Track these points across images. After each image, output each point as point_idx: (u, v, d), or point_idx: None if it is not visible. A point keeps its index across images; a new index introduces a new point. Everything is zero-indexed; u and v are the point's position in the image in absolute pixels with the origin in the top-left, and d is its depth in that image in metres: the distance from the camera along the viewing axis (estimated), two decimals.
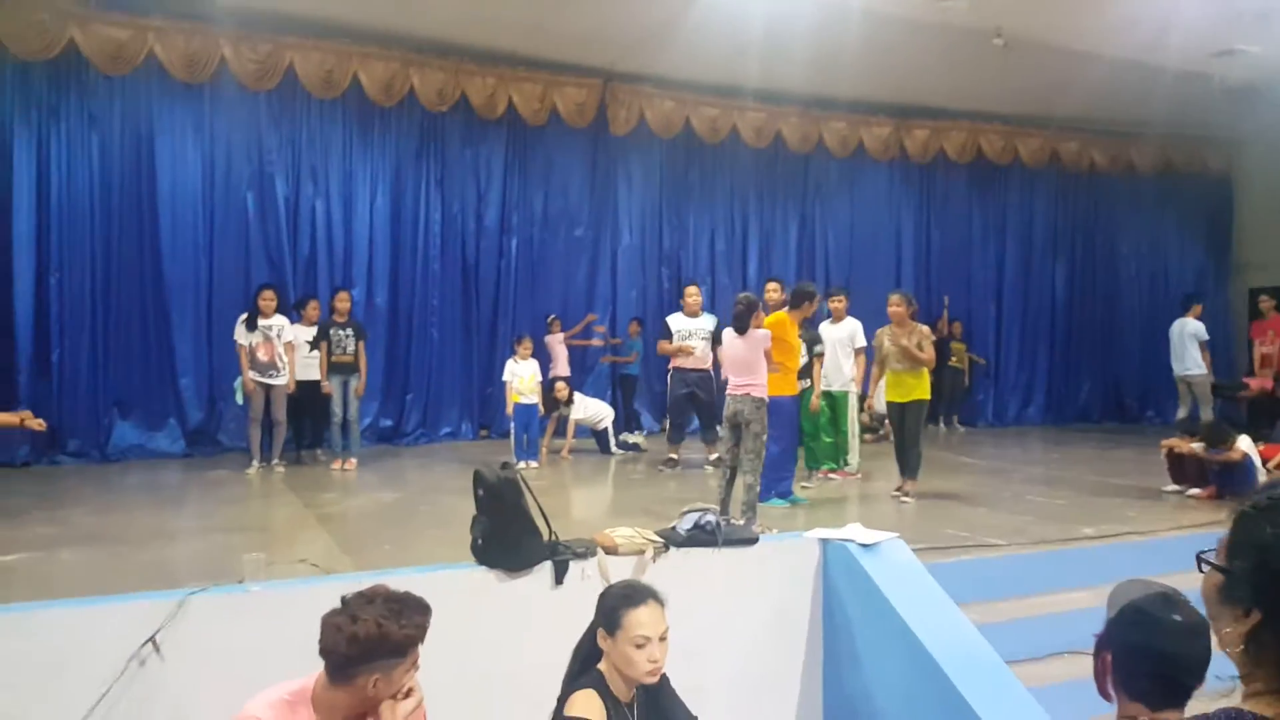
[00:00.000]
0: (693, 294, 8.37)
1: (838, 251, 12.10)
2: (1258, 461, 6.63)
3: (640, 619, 2.56)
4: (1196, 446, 6.73)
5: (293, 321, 7.97)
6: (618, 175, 10.90)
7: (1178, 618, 1.82)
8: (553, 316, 10.07)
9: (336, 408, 7.87)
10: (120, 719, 3.16)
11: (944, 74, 10.43)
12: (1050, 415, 12.97)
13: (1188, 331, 9.65)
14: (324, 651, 2.13)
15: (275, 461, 7.71)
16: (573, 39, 9.48)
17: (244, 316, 7.70)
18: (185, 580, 3.61)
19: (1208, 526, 5.69)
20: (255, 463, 7.58)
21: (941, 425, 11.86)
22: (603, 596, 2.71)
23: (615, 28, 9.04)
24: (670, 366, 8.25)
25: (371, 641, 2.09)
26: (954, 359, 11.88)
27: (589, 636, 2.70)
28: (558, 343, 9.87)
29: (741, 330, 5.58)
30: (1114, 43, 9.10)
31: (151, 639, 3.24)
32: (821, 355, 7.23)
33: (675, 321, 8.26)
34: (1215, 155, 13.39)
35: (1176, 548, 5.28)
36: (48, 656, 3.13)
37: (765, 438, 5.41)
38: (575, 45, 9.69)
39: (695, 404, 8.15)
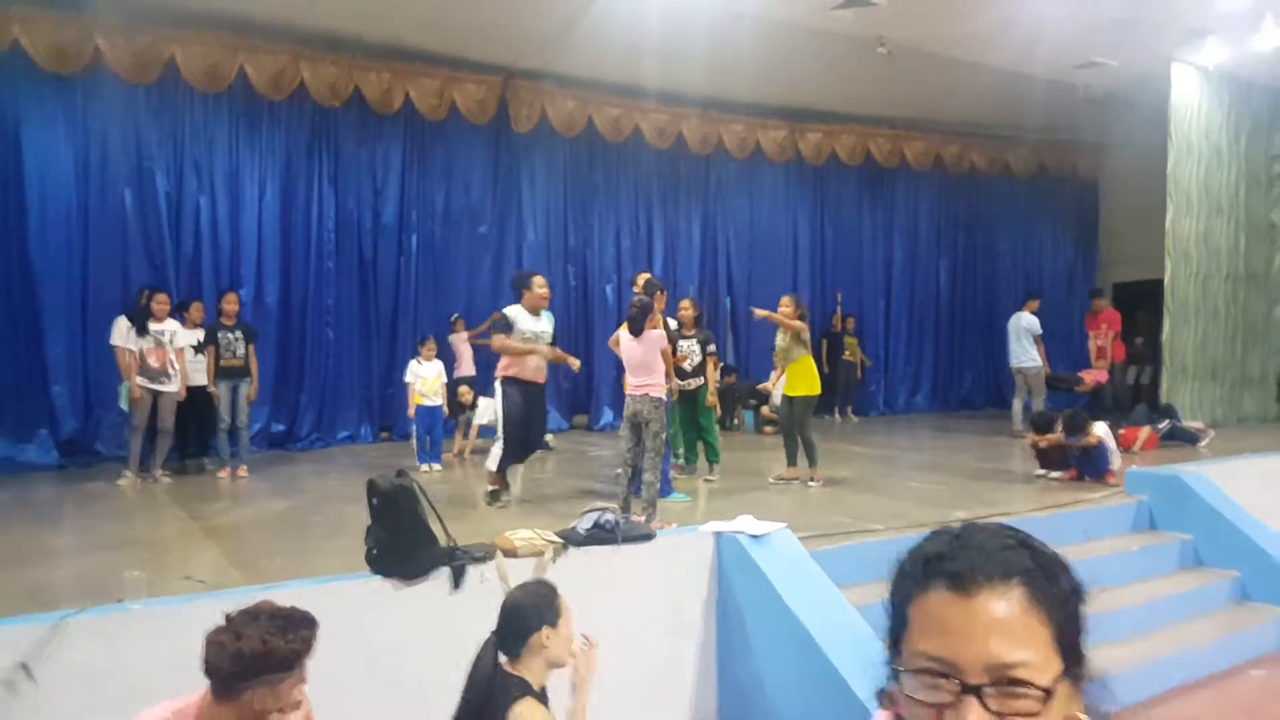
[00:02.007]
0: (541, 284, 6.51)
1: (738, 250, 12.40)
2: (1112, 445, 7.19)
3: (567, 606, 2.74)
4: (1057, 435, 7.25)
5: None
6: (521, 173, 10.88)
7: None
8: (456, 315, 9.97)
9: (225, 414, 7.65)
10: None
11: (834, 80, 10.85)
12: (936, 403, 13.64)
13: (1022, 325, 10.13)
14: (208, 670, 2.12)
15: (159, 472, 7.40)
16: (472, 35, 9.42)
17: (125, 319, 7.37)
18: (65, 602, 3.48)
19: (1066, 506, 6.18)
20: (129, 473, 7.22)
21: (836, 415, 12.33)
22: (546, 598, 2.75)
23: (515, 24, 9.03)
24: (504, 374, 6.15)
25: (256, 658, 2.10)
26: (847, 353, 12.38)
27: (489, 651, 2.71)
28: (462, 342, 9.80)
29: (637, 332, 5.71)
30: (989, 52, 9.64)
31: (23, 664, 3.15)
32: (715, 354, 7.45)
33: (520, 318, 6.26)
34: (1083, 159, 14.30)
35: (1039, 525, 5.71)
36: None
37: (664, 436, 5.57)
38: (474, 41, 9.63)
39: (534, 422, 6.36)
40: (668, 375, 5.90)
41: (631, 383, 5.65)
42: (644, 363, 5.65)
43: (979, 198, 14.02)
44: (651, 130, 11.41)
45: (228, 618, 2.19)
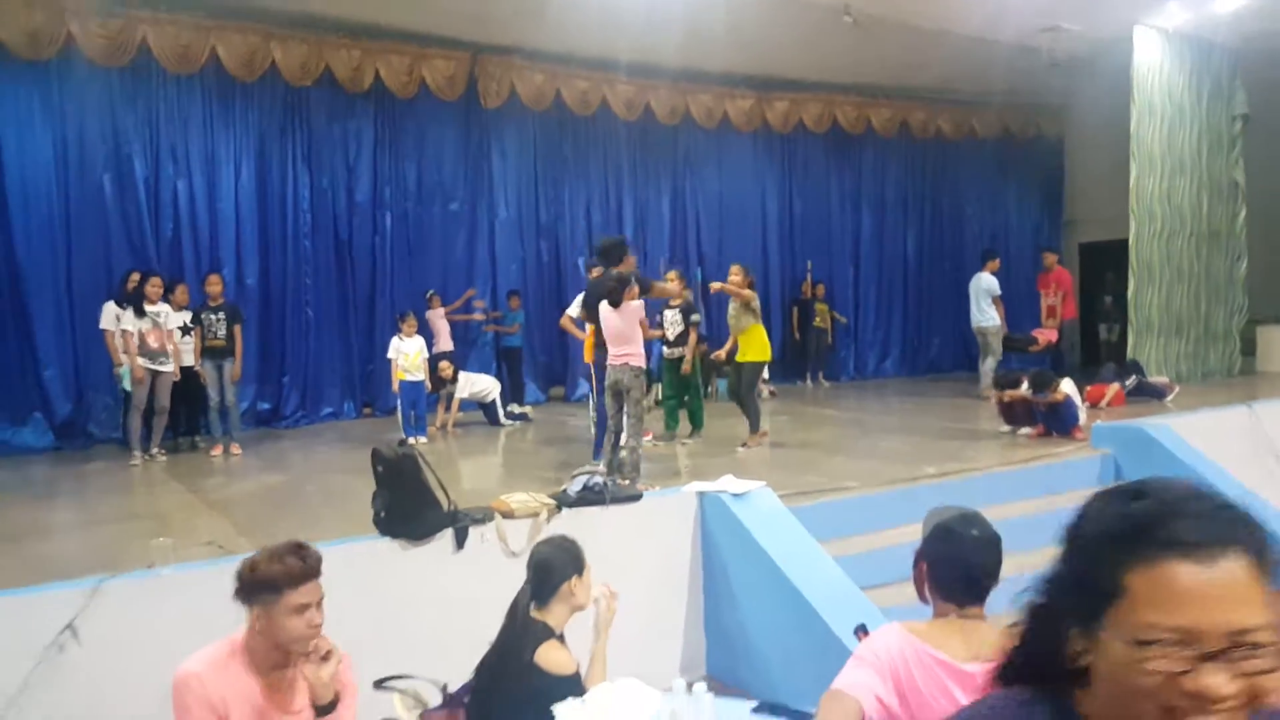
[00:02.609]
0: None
1: (708, 220, 12.54)
2: (1078, 400, 7.48)
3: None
4: (1024, 390, 7.52)
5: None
6: (491, 148, 10.94)
7: (975, 532, 2.26)
8: (431, 292, 10.09)
9: (213, 392, 7.78)
10: (41, 705, 3.27)
11: (801, 49, 10.95)
12: (905, 367, 13.94)
13: (982, 286, 10.29)
14: (236, 590, 2.41)
15: (155, 451, 7.56)
16: (440, 11, 9.44)
17: (112, 303, 7.50)
18: (87, 571, 3.67)
19: (1034, 460, 6.46)
20: (139, 453, 7.38)
21: (808, 381, 12.61)
22: (570, 552, 2.98)
23: (484, 1, 9.07)
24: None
25: (246, 579, 2.38)
26: (818, 319, 12.61)
27: (523, 598, 2.95)
28: (438, 318, 9.94)
29: (615, 304, 5.90)
30: (954, 20, 9.81)
31: (69, 625, 3.35)
32: (697, 324, 7.67)
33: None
34: (1048, 122, 14.54)
35: (1005, 480, 6.04)
36: None
37: (644, 403, 5.79)
38: (443, 18, 9.66)
39: None
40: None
41: (612, 352, 5.84)
42: (622, 333, 5.84)
43: (945, 162, 14.24)
44: (619, 102, 11.50)
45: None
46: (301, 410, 9.78)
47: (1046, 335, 10.56)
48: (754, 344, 7.28)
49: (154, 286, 7.54)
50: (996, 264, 10.53)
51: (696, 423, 7.75)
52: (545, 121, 11.24)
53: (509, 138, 11.04)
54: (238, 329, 7.90)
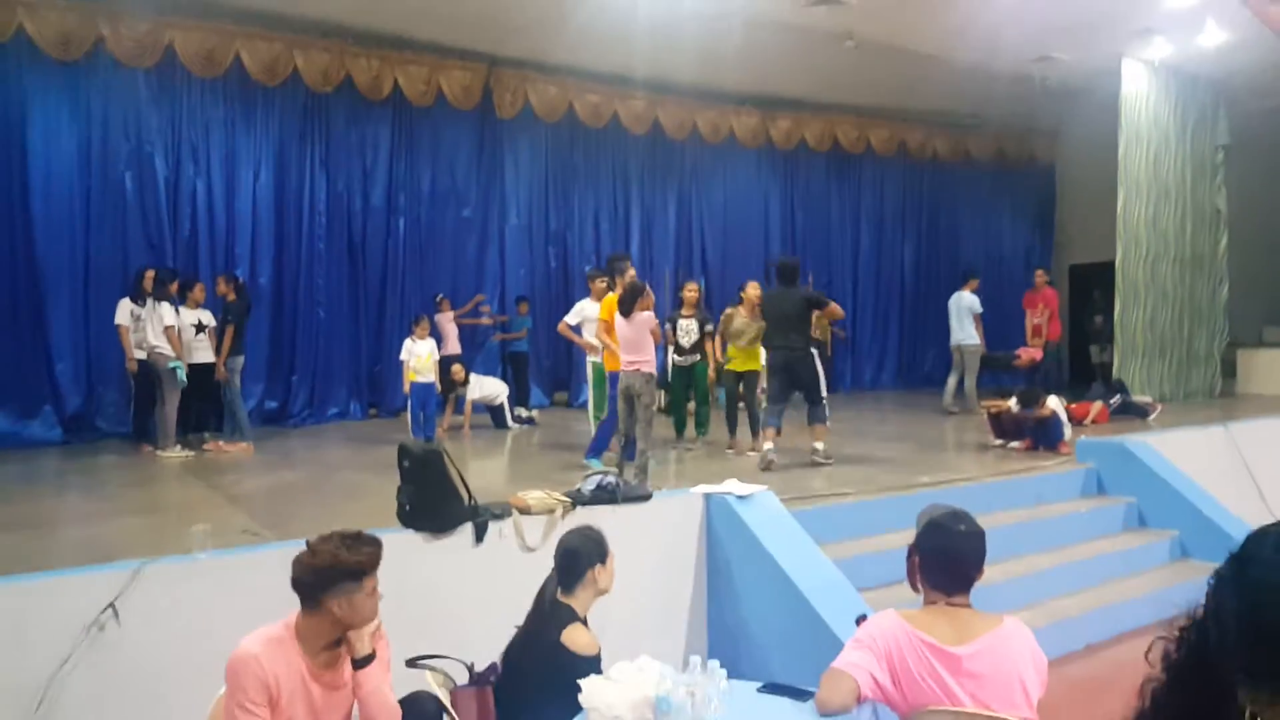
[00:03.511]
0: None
1: (712, 232, 12.87)
2: (1064, 417, 7.78)
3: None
4: (1013, 406, 7.83)
5: (178, 304, 7.94)
6: (504, 157, 11.22)
7: (963, 528, 2.53)
8: (441, 296, 10.33)
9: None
10: (83, 683, 3.42)
11: (804, 70, 11.32)
12: (901, 380, 14.26)
13: (963, 304, 10.46)
14: (294, 584, 2.56)
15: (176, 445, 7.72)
16: (458, 23, 9.74)
17: (128, 300, 7.73)
18: (122, 556, 3.82)
19: (1021, 472, 6.75)
20: (178, 447, 7.58)
21: None
22: (595, 540, 3.22)
23: (501, 13, 9.33)
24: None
25: (328, 569, 2.52)
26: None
27: (550, 585, 3.20)
28: (448, 321, 10.17)
29: (626, 313, 6.18)
30: (952, 47, 10.15)
31: (111, 605, 3.56)
32: (712, 334, 7.98)
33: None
34: (1041, 146, 14.94)
35: (995, 490, 6.33)
36: (7, 625, 3.37)
37: (655, 408, 6.07)
38: (461, 29, 9.95)
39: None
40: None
41: (624, 359, 6.12)
42: (634, 341, 6.11)
43: (941, 183, 14.61)
44: (629, 116, 11.81)
45: (307, 542, 2.64)
46: (308, 409, 9.99)
47: (1030, 354, 10.76)
48: (758, 355, 7.67)
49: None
50: (976, 283, 10.72)
51: (702, 428, 8.02)
52: (557, 132, 11.53)
53: (521, 147, 11.33)
54: (230, 328, 8.06)
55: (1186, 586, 6.06)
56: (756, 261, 12.95)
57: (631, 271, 7.09)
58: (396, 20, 9.66)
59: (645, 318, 6.16)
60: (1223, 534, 6.45)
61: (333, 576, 2.52)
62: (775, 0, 8.81)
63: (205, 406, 8.39)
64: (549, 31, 9.61)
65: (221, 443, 7.95)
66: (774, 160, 13.31)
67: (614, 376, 6.71)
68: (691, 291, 8.05)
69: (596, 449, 6.78)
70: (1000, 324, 11.17)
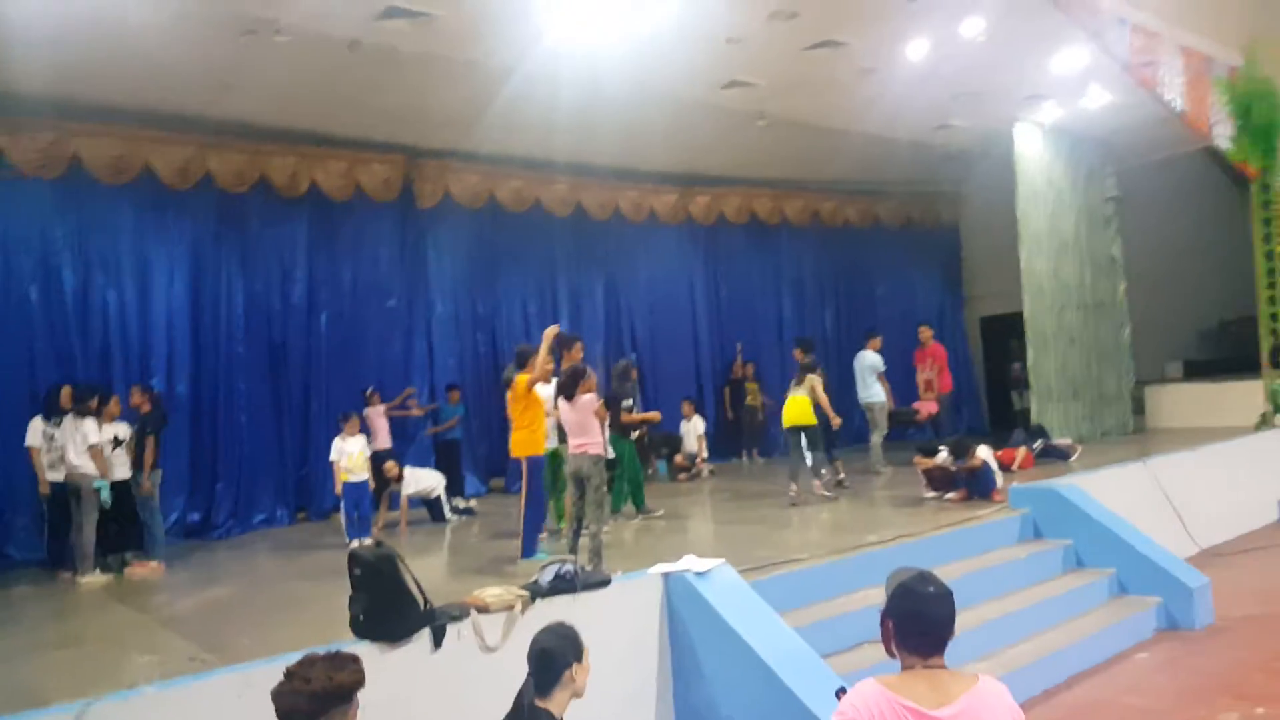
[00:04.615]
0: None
1: (640, 308, 13.02)
2: (994, 465, 8.00)
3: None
4: (943, 459, 8.02)
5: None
6: (427, 246, 11.18)
7: (932, 589, 2.55)
8: (371, 389, 10.11)
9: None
10: None
11: (721, 147, 11.72)
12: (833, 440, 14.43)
13: (866, 363, 10.60)
14: (286, 714, 2.45)
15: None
16: (377, 119, 9.74)
17: (39, 419, 7.41)
18: (56, 699, 3.57)
19: (961, 523, 6.89)
20: (97, 571, 7.15)
21: (744, 458, 13.00)
22: (570, 639, 3.09)
23: (419, 108, 9.40)
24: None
25: (328, 693, 2.47)
26: (749, 397, 13.09)
27: (527, 691, 3.05)
28: (378, 415, 9.93)
29: (569, 397, 6.16)
30: (857, 121, 10.71)
31: None
32: (628, 409, 8.00)
33: None
34: (945, 208, 15.71)
35: (939, 543, 6.45)
36: None
37: (605, 490, 6.01)
38: (379, 124, 9.95)
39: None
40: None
41: (572, 442, 6.07)
42: (579, 423, 6.09)
43: (855, 248, 15.17)
44: (552, 199, 11.95)
45: (288, 672, 2.52)
46: (233, 519, 9.53)
47: (926, 408, 11.06)
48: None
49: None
50: (878, 341, 10.92)
51: (638, 503, 7.96)
52: (480, 219, 11.53)
53: (445, 235, 11.31)
54: (149, 440, 7.74)
55: (1129, 622, 6.31)
56: (685, 334, 13.21)
57: (578, 350, 7.12)
58: (313, 118, 9.63)
59: (588, 400, 6.15)
60: (1156, 568, 6.73)
61: (328, 701, 2.48)
62: (691, 82, 9.12)
63: (124, 525, 7.99)
64: (469, 122, 9.70)
65: (134, 563, 7.54)
66: (695, 235, 13.63)
67: (535, 460, 6.57)
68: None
69: (530, 547, 6.49)
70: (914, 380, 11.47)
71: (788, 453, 8.89)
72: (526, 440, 6.52)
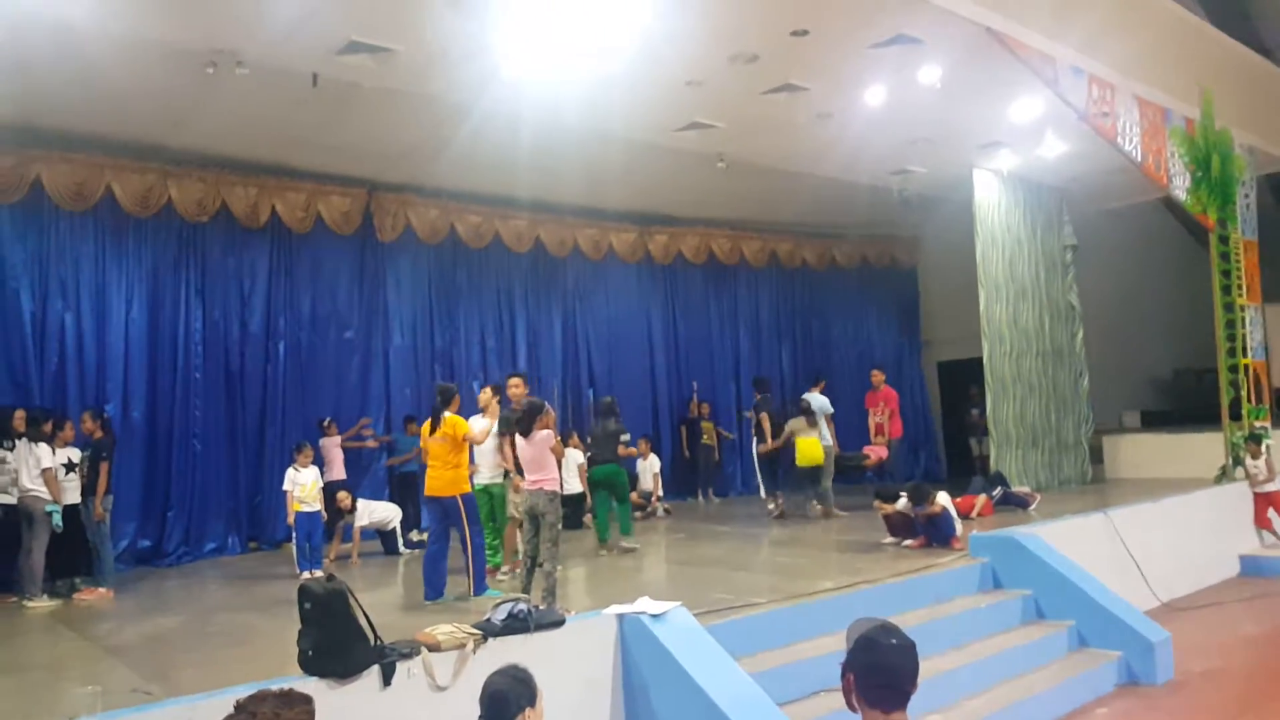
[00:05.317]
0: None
1: (598, 344, 13.08)
2: (953, 512, 8.03)
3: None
4: (903, 505, 8.02)
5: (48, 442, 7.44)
6: (386, 278, 11.18)
7: (894, 641, 2.54)
8: (328, 420, 10.05)
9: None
10: None
11: (679, 188, 11.92)
12: (790, 481, 14.47)
13: (814, 406, 10.50)
14: None
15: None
16: (338, 151, 9.79)
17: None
18: None
19: (920, 571, 6.85)
20: (45, 596, 7.07)
21: (699, 497, 13.01)
22: (524, 682, 3.00)
23: (380, 141, 9.47)
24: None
25: None
26: (705, 436, 13.13)
27: None
28: (334, 446, 9.86)
29: (525, 433, 6.14)
30: (815, 164, 10.89)
31: None
32: (625, 443, 8.05)
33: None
34: (902, 252, 15.95)
35: (896, 591, 6.40)
36: None
37: (560, 527, 5.98)
38: (340, 157, 10.00)
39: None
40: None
41: (528, 478, 6.04)
42: (535, 460, 6.08)
43: (812, 289, 15.40)
44: (511, 235, 12.04)
45: (237, 705, 2.49)
46: (184, 547, 9.41)
47: (877, 452, 11.09)
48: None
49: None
50: (824, 384, 11.03)
51: (625, 530, 8.17)
52: (440, 253, 11.60)
53: (404, 268, 11.33)
54: (103, 465, 7.64)
55: (1089, 675, 6.27)
56: (642, 372, 13.25)
57: (515, 386, 7.09)
58: (274, 149, 9.64)
59: (545, 436, 6.14)
60: (1117, 621, 6.59)
61: None
62: (651, 124, 9.27)
63: (74, 550, 7.79)
64: (429, 156, 9.78)
65: (83, 589, 7.40)
66: (654, 273, 13.76)
67: (469, 497, 6.48)
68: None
69: (480, 584, 6.40)
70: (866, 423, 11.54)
71: (755, 492, 8.91)
72: (458, 478, 6.41)
